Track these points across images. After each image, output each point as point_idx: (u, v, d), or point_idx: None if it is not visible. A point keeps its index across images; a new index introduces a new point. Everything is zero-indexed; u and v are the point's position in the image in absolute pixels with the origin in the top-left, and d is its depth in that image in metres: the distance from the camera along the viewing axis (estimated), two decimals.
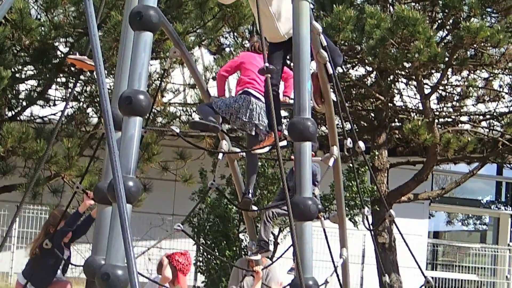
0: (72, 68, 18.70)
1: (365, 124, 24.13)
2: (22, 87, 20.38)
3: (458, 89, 23.67)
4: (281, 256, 11.44)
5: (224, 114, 9.87)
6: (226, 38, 22.13)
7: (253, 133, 9.92)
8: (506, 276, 31.79)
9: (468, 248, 33.76)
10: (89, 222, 11.36)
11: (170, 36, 9.85)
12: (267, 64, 8.20)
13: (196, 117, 22.34)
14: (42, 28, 18.80)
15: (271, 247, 14.67)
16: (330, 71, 9.82)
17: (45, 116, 20.88)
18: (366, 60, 22.49)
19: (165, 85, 21.02)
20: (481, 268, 32.63)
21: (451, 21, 22.32)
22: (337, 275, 10.51)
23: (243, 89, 10.04)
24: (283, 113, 16.60)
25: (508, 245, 32.26)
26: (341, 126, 12.85)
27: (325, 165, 10.46)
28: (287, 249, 9.47)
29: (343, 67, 22.87)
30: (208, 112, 9.92)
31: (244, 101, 9.81)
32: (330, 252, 10.31)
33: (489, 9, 21.83)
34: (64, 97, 20.24)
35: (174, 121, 21.90)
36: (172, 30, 9.61)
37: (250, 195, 10.53)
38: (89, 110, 20.37)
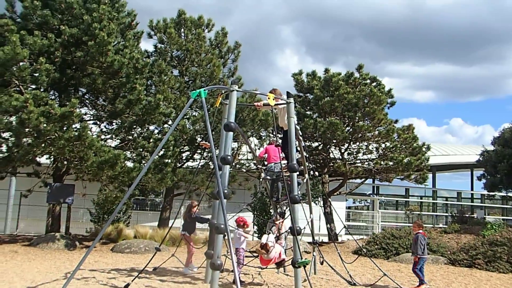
0: (202, 147, 18.88)
1: (318, 164, 23.99)
2: (184, 155, 20.60)
3: (355, 150, 23.45)
4: (286, 218, 11.42)
5: (269, 171, 10.05)
6: (262, 132, 22.14)
7: (276, 172, 10.02)
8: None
9: (361, 213, 33.15)
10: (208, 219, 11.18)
11: (240, 133, 9.98)
12: (279, 144, 8.33)
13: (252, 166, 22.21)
14: (191, 131, 19.05)
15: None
16: (303, 144, 9.96)
17: (193, 166, 21.04)
18: (319, 139, 22.47)
19: (239, 152, 21.12)
20: (370, 221, 31.74)
21: (351, 123, 22.19)
22: (309, 224, 10.47)
23: (270, 161, 10.18)
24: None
25: (378, 211, 31.62)
26: (308, 165, 12.79)
27: (302, 181, 10.51)
28: (288, 215, 9.44)
29: (309, 142, 22.74)
30: (266, 172, 10.25)
31: (273, 165, 9.95)
32: (305, 215, 10.30)
33: (366, 118, 21.72)
34: (199, 158, 20.41)
35: (243, 166, 22.03)
36: (240, 130, 9.75)
37: (279, 198, 10.52)
38: (210, 163, 20.50)
